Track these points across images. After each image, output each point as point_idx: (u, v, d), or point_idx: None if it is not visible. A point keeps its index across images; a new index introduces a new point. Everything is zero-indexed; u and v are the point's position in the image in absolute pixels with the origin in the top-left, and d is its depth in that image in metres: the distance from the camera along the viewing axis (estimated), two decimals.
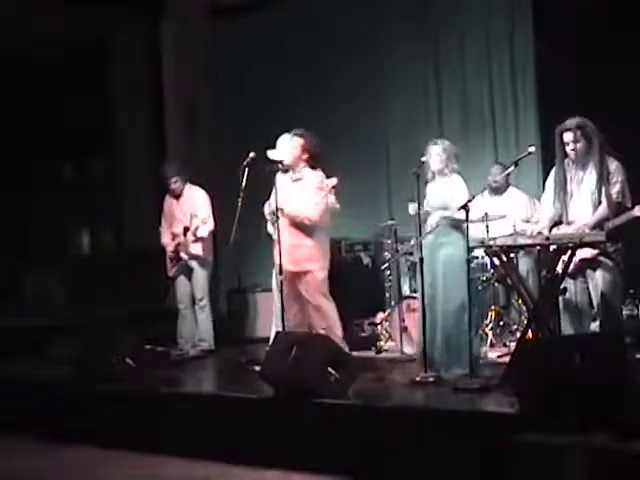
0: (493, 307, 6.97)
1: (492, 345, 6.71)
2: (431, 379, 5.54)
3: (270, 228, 6.91)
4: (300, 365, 5.16)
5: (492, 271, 6.96)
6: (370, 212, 8.62)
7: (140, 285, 9.48)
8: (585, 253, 5.28)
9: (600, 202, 5.31)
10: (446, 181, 5.84)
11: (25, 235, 10.83)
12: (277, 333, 5.85)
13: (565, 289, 5.40)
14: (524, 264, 6.99)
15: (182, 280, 7.62)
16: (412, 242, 6.81)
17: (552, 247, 5.43)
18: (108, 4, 9.57)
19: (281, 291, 6.13)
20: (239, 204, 6.39)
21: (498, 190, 7.25)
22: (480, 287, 6.98)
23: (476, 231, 6.29)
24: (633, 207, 5.30)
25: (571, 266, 5.26)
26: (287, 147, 6.25)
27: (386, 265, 7.52)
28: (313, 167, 6.29)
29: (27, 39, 9.67)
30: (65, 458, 5.77)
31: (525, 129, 7.96)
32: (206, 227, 7.42)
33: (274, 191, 6.23)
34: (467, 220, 5.45)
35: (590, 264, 5.34)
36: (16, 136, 10.58)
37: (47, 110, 10.46)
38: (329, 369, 5.11)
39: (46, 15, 9.22)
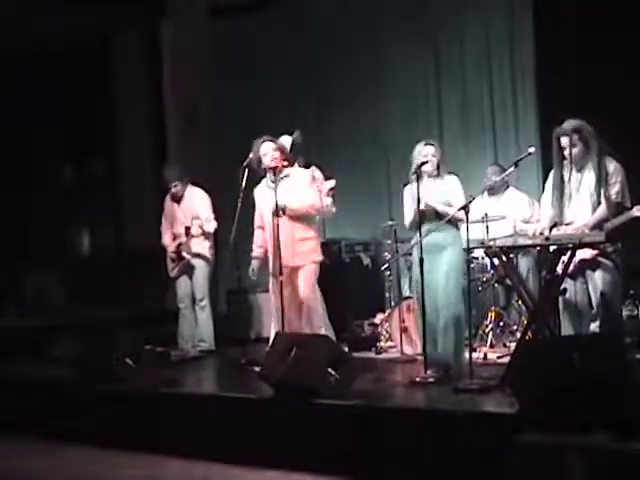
0: (493, 308, 6.97)
1: (492, 346, 6.71)
2: (431, 379, 5.54)
3: None
4: (300, 365, 5.17)
5: (492, 272, 6.96)
6: (370, 212, 8.63)
7: (140, 285, 9.49)
8: (585, 253, 5.28)
9: (599, 203, 5.31)
10: (444, 182, 5.80)
11: (25, 235, 10.83)
12: (277, 333, 5.86)
13: (565, 289, 5.40)
14: (524, 265, 6.99)
15: (183, 280, 7.63)
16: (412, 242, 6.81)
17: (552, 248, 5.43)
18: (108, 4, 9.58)
19: (280, 292, 6.13)
20: (239, 204, 6.40)
21: (497, 191, 7.25)
22: (480, 288, 6.99)
23: (476, 232, 6.29)
24: (632, 207, 5.30)
25: (571, 267, 5.26)
26: (267, 154, 6.25)
27: (386, 266, 7.52)
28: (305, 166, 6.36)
29: (27, 39, 9.67)
30: (65, 458, 5.77)
31: (525, 130, 7.97)
32: (211, 224, 7.43)
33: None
34: (467, 221, 5.45)
35: (590, 264, 5.34)
36: (16, 136, 10.58)
37: (47, 110, 10.46)
38: (329, 369, 5.11)
39: (46, 15, 9.23)
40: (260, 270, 6.56)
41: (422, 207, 5.63)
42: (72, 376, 6.40)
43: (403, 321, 6.89)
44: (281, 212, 6.11)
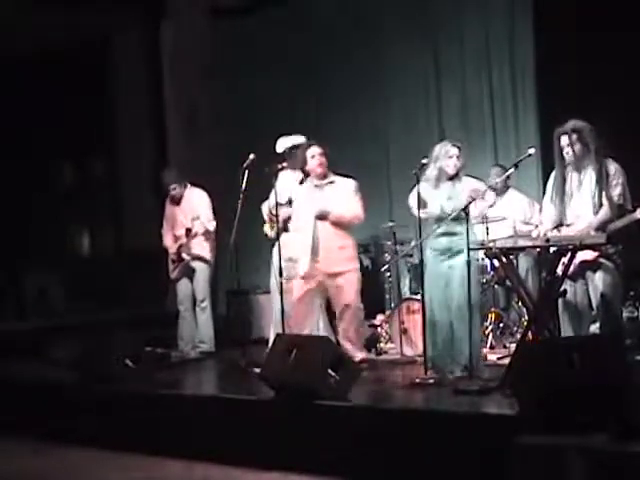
0: (493, 309, 6.97)
1: (492, 347, 6.71)
2: (431, 381, 5.54)
3: (267, 228, 6.92)
4: (300, 367, 5.16)
5: (492, 273, 6.96)
6: (370, 214, 8.58)
7: (140, 286, 9.49)
8: (585, 255, 5.27)
9: (601, 204, 5.30)
10: (463, 183, 5.78)
11: (25, 235, 10.82)
12: (277, 335, 5.85)
13: (565, 291, 5.40)
14: (524, 266, 6.99)
15: (183, 282, 7.62)
16: (412, 244, 6.81)
17: (552, 249, 5.42)
18: (108, 4, 9.58)
19: (281, 292, 6.13)
20: (239, 205, 6.40)
21: (498, 192, 7.24)
22: (480, 289, 6.98)
23: (476, 233, 6.29)
24: (634, 210, 5.29)
25: (571, 268, 5.25)
26: (315, 157, 6.25)
27: (386, 267, 7.52)
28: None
29: (27, 39, 9.67)
30: (65, 459, 5.77)
31: (525, 130, 7.96)
32: (210, 224, 7.44)
33: (273, 192, 6.25)
34: (467, 222, 5.45)
35: (590, 266, 5.33)
36: (16, 136, 10.58)
37: (47, 110, 10.45)
38: (329, 371, 5.11)
39: (46, 15, 9.23)
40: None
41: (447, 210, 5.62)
42: (72, 377, 6.41)
43: (403, 322, 6.89)
44: (325, 217, 6.15)
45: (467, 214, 5.46)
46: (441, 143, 5.86)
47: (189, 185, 7.65)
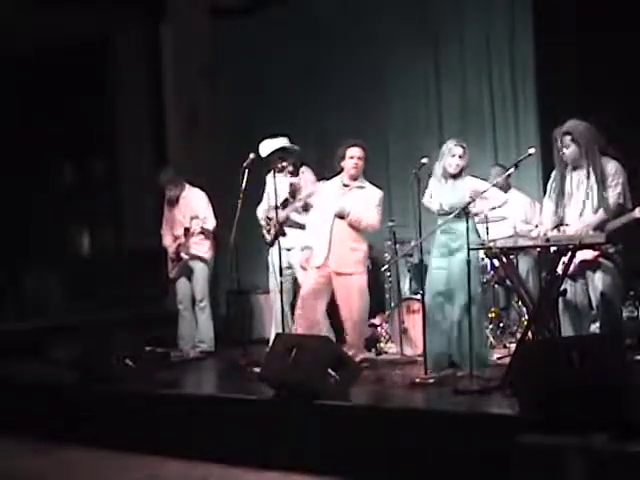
0: (493, 309, 6.97)
1: (492, 347, 6.70)
2: (431, 380, 5.54)
3: (265, 233, 6.93)
4: (300, 366, 5.17)
5: (492, 273, 6.96)
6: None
7: (140, 286, 9.49)
8: (585, 255, 5.27)
9: (600, 205, 5.30)
10: (465, 183, 5.83)
11: (25, 235, 10.81)
12: (277, 335, 5.86)
13: (565, 290, 5.40)
14: (524, 265, 6.99)
15: (182, 281, 7.63)
16: (412, 243, 6.81)
17: (552, 248, 5.43)
18: (108, 4, 9.57)
19: (281, 292, 6.13)
20: (239, 205, 6.40)
21: None
22: (480, 289, 6.98)
23: (478, 231, 6.29)
24: (634, 209, 5.29)
25: (571, 267, 5.26)
26: (353, 156, 6.28)
27: (386, 267, 7.51)
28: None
29: (27, 39, 9.66)
30: (65, 458, 5.77)
31: (525, 130, 7.96)
32: (209, 223, 7.45)
33: (265, 194, 6.28)
34: (467, 222, 5.45)
35: (590, 265, 5.34)
36: (16, 136, 10.57)
37: (47, 110, 10.45)
38: (329, 370, 5.11)
39: (46, 15, 9.22)
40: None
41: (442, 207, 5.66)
42: (72, 377, 6.40)
43: (403, 322, 6.89)
44: (343, 216, 6.20)
45: (467, 213, 5.46)
46: (448, 141, 5.94)
47: (187, 185, 7.65)
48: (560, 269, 5.30)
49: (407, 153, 8.00)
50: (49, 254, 10.81)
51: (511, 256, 5.92)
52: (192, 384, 6.78)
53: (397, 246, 7.38)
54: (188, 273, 7.59)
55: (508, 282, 6.59)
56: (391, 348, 7.16)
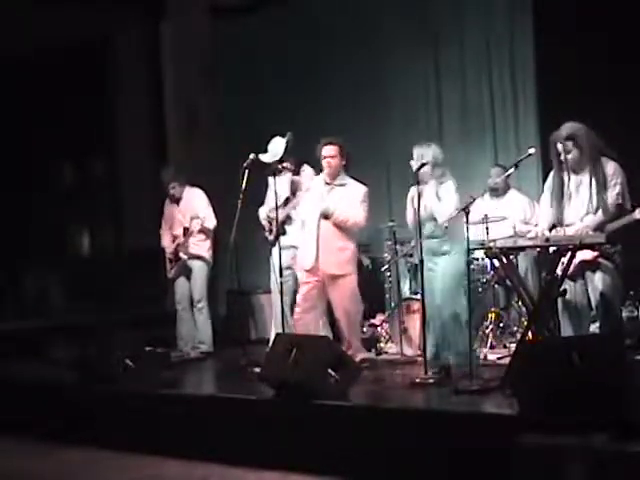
0: (493, 309, 6.97)
1: (492, 347, 6.71)
2: (431, 380, 5.54)
3: (267, 234, 6.93)
4: (300, 367, 5.16)
5: (492, 273, 6.96)
6: (370, 213, 8.60)
7: (140, 286, 9.49)
8: (585, 255, 5.27)
9: (599, 205, 5.30)
10: (438, 186, 5.84)
11: (25, 235, 10.82)
12: (277, 335, 5.86)
13: (565, 291, 5.40)
14: (524, 266, 6.99)
15: (181, 281, 7.63)
16: (412, 243, 6.81)
17: (552, 249, 5.42)
18: (108, 4, 9.57)
19: (281, 292, 6.13)
20: (239, 205, 6.40)
21: (499, 192, 7.25)
22: (480, 289, 6.99)
23: (476, 233, 6.29)
24: (633, 210, 5.29)
25: (571, 268, 5.26)
26: (326, 155, 6.25)
27: (386, 267, 7.52)
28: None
29: (27, 39, 9.66)
30: (65, 459, 5.77)
31: (525, 130, 7.96)
32: (209, 222, 7.45)
33: (269, 195, 6.26)
34: (467, 222, 5.45)
35: (590, 266, 5.33)
36: (16, 136, 10.58)
37: (47, 110, 10.45)
38: (329, 370, 5.11)
39: (46, 15, 9.22)
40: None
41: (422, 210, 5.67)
42: (72, 377, 6.41)
43: (403, 322, 6.89)
44: (328, 216, 6.17)
45: (467, 213, 5.46)
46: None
47: (188, 186, 7.66)
48: (560, 269, 5.30)
49: (407, 153, 7.98)
50: (49, 254, 10.81)
51: (511, 256, 5.92)
52: (192, 384, 6.78)
53: (397, 246, 7.37)
54: (187, 273, 7.59)
55: (508, 282, 6.59)
56: (391, 348, 7.15)
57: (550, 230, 5.43)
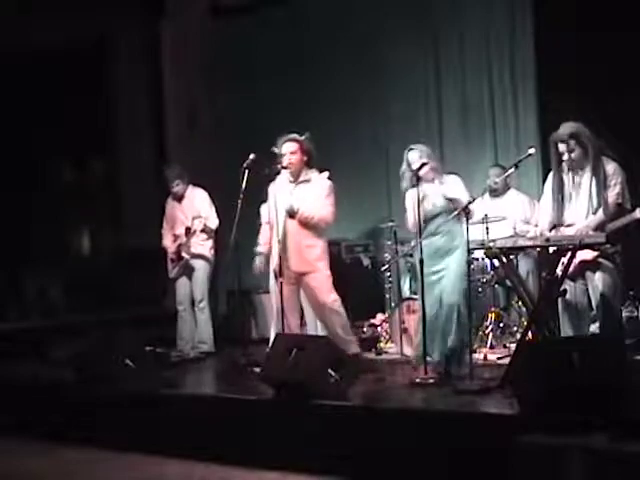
0: (493, 309, 6.97)
1: (492, 347, 6.71)
2: (431, 380, 5.54)
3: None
4: (300, 366, 5.16)
5: (492, 273, 6.96)
6: (370, 213, 8.63)
7: (140, 286, 9.49)
8: (585, 255, 5.27)
9: (599, 205, 5.30)
10: (443, 181, 5.83)
11: (25, 235, 10.82)
12: (277, 335, 5.85)
13: (565, 291, 5.40)
14: (524, 266, 6.99)
15: (182, 281, 7.63)
16: (412, 243, 6.81)
17: (552, 249, 5.42)
18: (108, 4, 9.57)
19: (281, 292, 6.12)
20: (239, 205, 6.40)
21: (499, 192, 7.25)
22: (480, 289, 6.99)
23: (476, 233, 6.29)
24: (634, 209, 5.29)
25: (571, 268, 5.25)
26: (286, 152, 6.23)
27: (386, 267, 7.52)
28: (320, 168, 6.30)
29: (27, 39, 9.66)
30: (65, 459, 5.76)
31: (525, 130, 7.96)
32: (211, 222, 7.45)
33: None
34: (467, 222, 5.45)
35: (590, 266, 5.33)
36: (16, 136, 10.57)
37: (47, 110, 10.45)
38: (329, 370, 5.11)
39: (46, 15, 9.22)
40: (263, 269, 6.57)
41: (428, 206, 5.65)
42: (72, 377, 6.40)
43: (403, 322, 6.89)
44: (293, 215, 6.12)
45: (467, 213, 5.46)
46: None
47: (191, 185, 7.66)
48: (560, 269, 5.30)
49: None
50: (49, 254, 10.81)
51: (511, 256, 5.92)
52: (192, 384, 6.78)
53: (397, 246, 7.38)
54: (189, 273, 7.59)
55: (508, 282, 6.59)
56: (391, 348, 7.15)
57: (550, 230, 5.43)
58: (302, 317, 6.52)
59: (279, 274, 6.10)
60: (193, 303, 7.61)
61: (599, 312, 5.32)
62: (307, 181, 6.24)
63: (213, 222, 7.48)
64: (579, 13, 7.38)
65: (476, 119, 8.26)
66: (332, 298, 6.20)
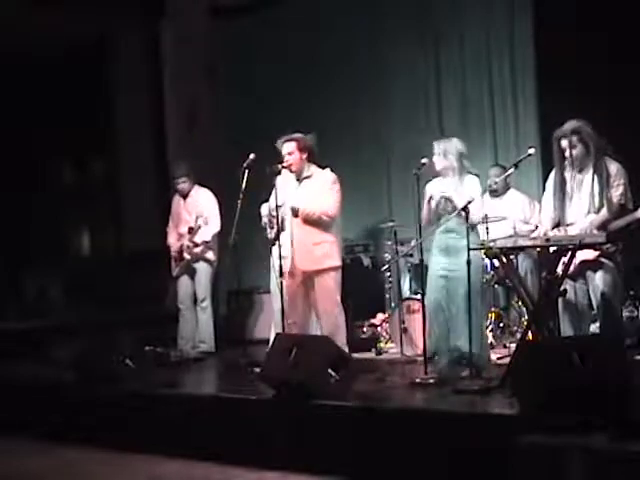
0: (493, 309, 6.97)
1: (492, 347, 6.71)
2: (431, 380, 5.54)
3: (268, 231, 6.92)
4: (300, 366, 5.16)
5: (492, 273, 6.96)
6: (370, 213, 8.63)
7: (140, 286, 9.49)
8: (585, 254, 5.27)
9: (602, 204, 5.30)
10: (455, 181, 5.83)
11: (25, 236, 10.82)
12: (277, 334, 5.85)
13: (565, 290, 5.39)
14: (524, 265, 6.99)
15: (184, 280, 7.63)
16: (412, 243, 6.81)
17: (552, 248, 5.42)
18: (108, 4, 9.57)
19: (281, 292, 6.12)
20: (239, 205, 6.39)
21: (499, 192, 7.25)
22: (481, 289, 6.98)
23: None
24: (636, 209, 5.29)
25: (571, 267, 5.25)
26: (284, 153, 6.23)
27: (386, 266, 7.52)
28: (320, 166, 6.30)
29: (27, 39, 9.67)
30: (65, 458, 5.77)
31: (525, 130, 7.96)
32: (209, 230, 7.45)
33: (274, 193, 6.23)
34: (467, 222, 5.46)
35: (590, 265, 5.33)
36: (16, 136, 10.58)
37: (47, 110, 10.45)
38: (329, 370, 5.11)
39: (46, 15, 9.22)
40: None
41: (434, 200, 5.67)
42: (72, 377, 6.41)
43: (403, 322, 6.89)
44: (295, 214, 6.12)
45: (467, 213, 5.47)
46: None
47: (197, 185, 7.68)
48: (560, 269, 5.30)
49: (407, 153, 8.00)
50: (49, 254, 10.82)
51: (511, 256, 5.92)
52: (192, 384, 6.78)
53: (397, 246, 7.37)
54: (191, 272, 7.60)
55: (508, 282, 6.59)
56: (391, 348, 7.16)
57: (553, 228, 5.43)
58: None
59: (279, 273, 6.09)
60: (195, 302, 7.61)
61: (599, 312, 5.32)
62: (309, 177, 6.24)
63: (215, 228, 7.47)
64: (579, 13, 7.38)
65: (476, 119, 8.26)
66: (335, 312, 6.13)
